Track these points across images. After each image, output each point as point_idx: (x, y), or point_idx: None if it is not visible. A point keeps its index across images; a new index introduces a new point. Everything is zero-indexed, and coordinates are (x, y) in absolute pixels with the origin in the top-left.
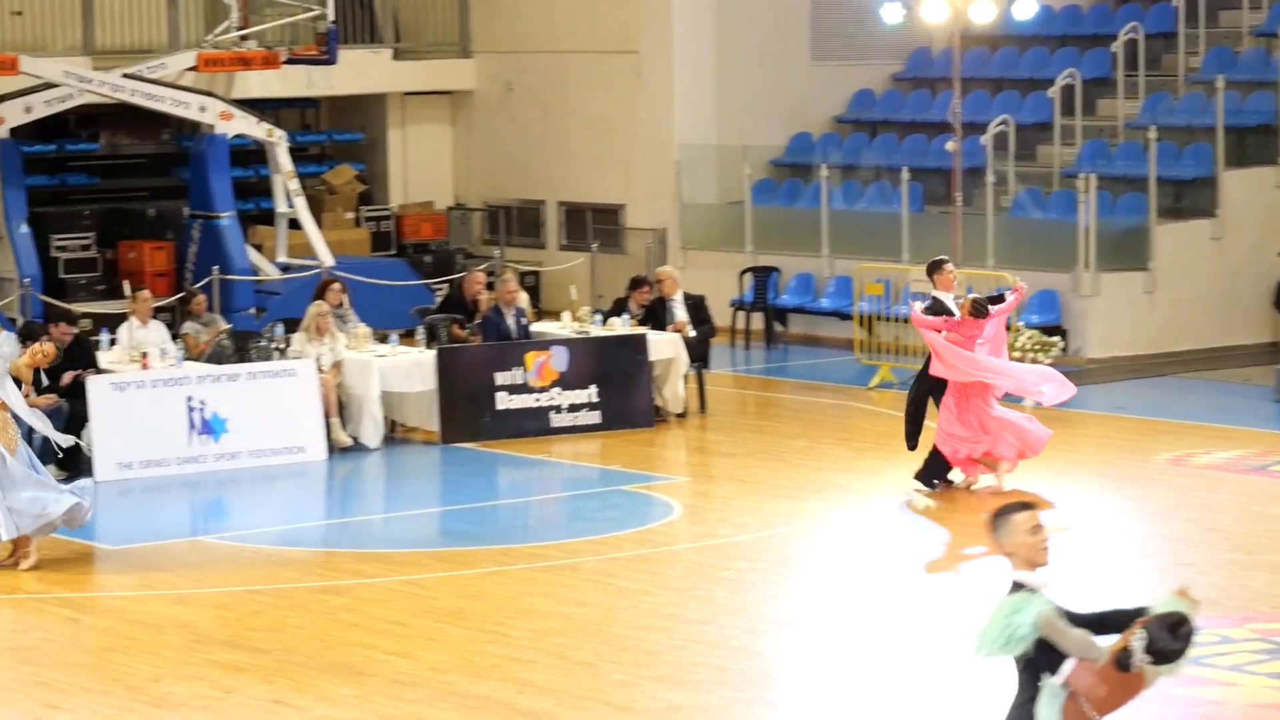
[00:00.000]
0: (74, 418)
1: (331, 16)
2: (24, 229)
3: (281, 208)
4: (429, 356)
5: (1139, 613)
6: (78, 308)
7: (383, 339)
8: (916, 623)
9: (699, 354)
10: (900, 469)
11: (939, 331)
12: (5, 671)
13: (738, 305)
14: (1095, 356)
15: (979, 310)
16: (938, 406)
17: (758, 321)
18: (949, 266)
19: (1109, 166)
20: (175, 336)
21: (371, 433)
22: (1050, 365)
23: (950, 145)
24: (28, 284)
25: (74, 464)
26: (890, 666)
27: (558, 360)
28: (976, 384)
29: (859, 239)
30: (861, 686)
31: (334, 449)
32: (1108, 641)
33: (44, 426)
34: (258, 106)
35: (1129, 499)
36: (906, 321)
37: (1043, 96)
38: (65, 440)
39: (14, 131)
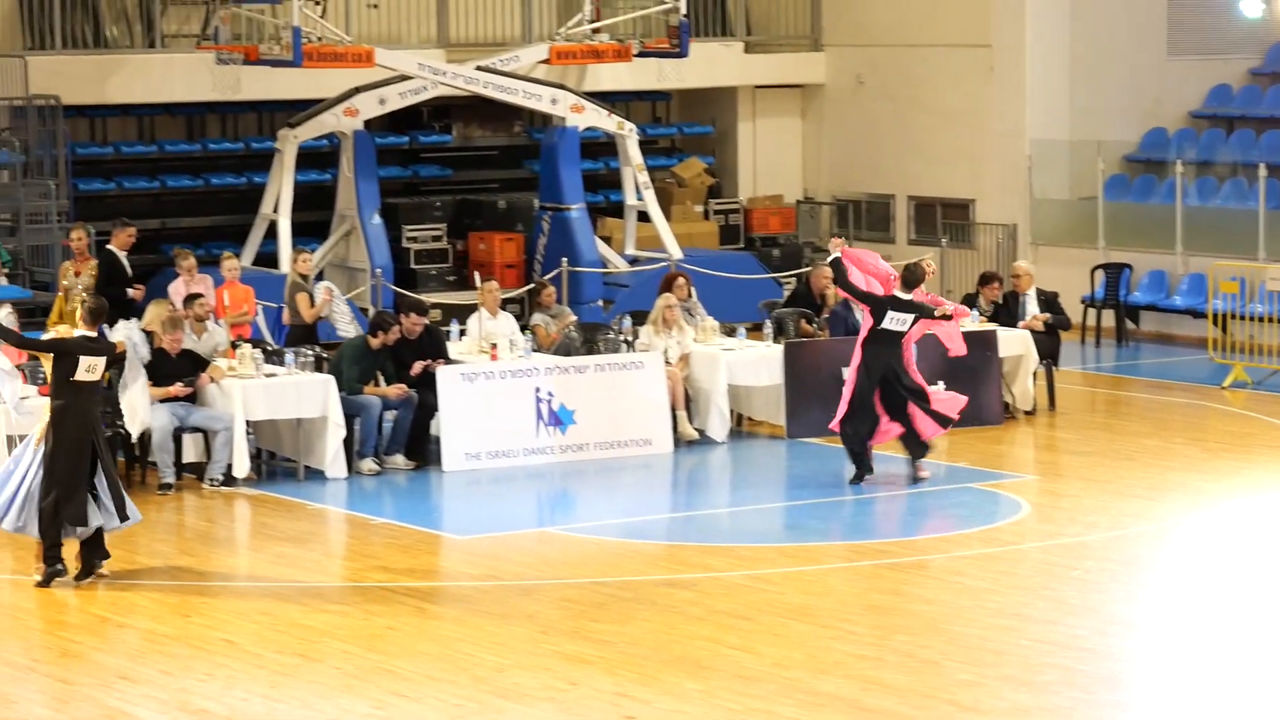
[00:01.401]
0: (423, 407)
1: (683, 10)
2: (376, 220)
3: (631, 200)
4: (776, 351)
5: None
6: (428, 298)
7: (730, 332)
8: (1272, 627)
9: (1049, 351)
10: (1257, 469)
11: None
12: (353, 659)
13: (1089, 302)
14: None
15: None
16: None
17: (1109, 319)
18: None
19: None
20: (524, 328)
21: (718, 426)
22: None
23: None
24: (379, 274)
25: (421, 454)
26: (1243, 671)
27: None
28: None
29: (1214, 236)
30: (1214, 691)
31: (680, 442)
32: None
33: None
34: (608, 99)
35: None
36: (1264, 320)
37: None
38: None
39: (368, 123)
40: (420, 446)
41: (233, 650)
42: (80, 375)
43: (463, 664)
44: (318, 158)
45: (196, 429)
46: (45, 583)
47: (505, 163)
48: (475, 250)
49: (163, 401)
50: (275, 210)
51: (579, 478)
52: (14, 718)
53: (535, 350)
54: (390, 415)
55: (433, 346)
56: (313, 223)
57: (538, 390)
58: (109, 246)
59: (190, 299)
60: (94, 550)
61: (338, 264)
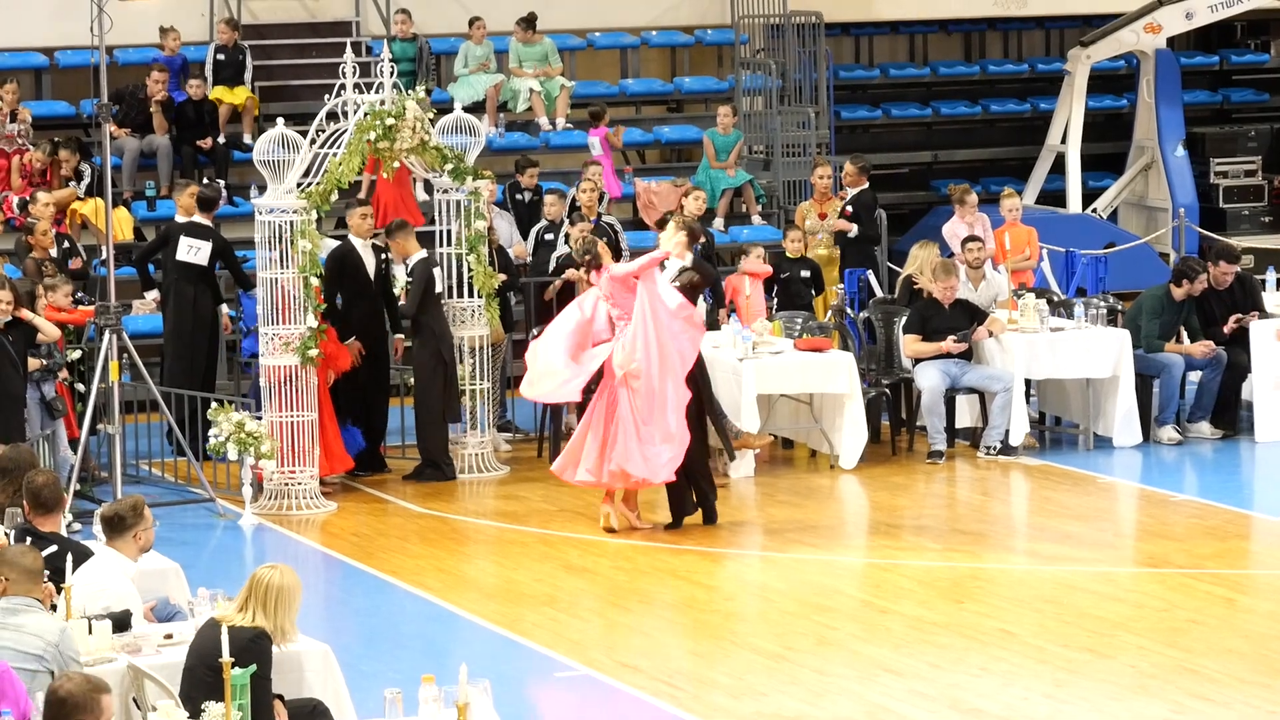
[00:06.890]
0: (1234, 368)
1: None
2: (1180, 151)
3: None
4: None
5: None
6: (1240, 242)
7: None
8: None
9: None
10: None
11: None
12: (1150, 655)
13: None
14: None
15: None
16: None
17: None
18: None
19: None
20: None
21: None
22: None
23: None
24: (1182, 214)
25: (1230, 421)
26: None
27: None
28: None
29: None
30: None
31: None
32: None
33: None
34: None
35: None
36: None
37: None
38: None
39: (1172, 41)
40: (1229, 412)
41: (1011, 642)
42: None
43: (1279, 665)
44: (1113, 81)
45: (971, 389)
46: None
47: None
48: None
49: (934, 359)
50: (1063, 141)
51: None
52: (766, 711)
53: None
54: (1194, 376)
55: (1245, 298)
56: (1106, 155)
57: None
58: None
59: (967, 241)
60: None
61: (1134, 202)
